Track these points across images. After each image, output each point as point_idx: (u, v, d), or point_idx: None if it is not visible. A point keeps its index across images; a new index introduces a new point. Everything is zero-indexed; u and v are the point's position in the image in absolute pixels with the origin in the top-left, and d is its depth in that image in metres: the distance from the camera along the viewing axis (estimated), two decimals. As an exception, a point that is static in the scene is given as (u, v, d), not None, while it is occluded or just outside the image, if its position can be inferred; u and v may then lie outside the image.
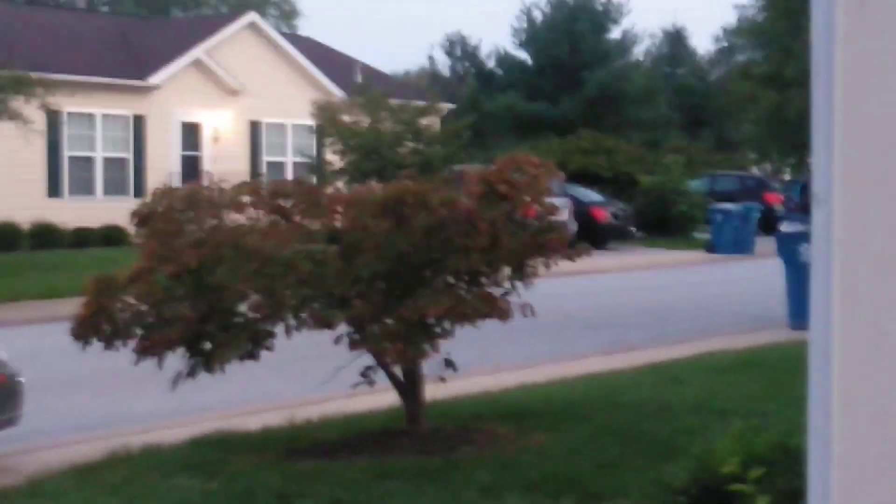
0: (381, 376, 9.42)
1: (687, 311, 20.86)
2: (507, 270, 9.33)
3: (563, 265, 9.74)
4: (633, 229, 39.08)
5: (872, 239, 1.46)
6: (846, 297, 1.45)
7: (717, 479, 4.47)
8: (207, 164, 36.20)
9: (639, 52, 62.38)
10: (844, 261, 1.44)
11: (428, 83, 56.51)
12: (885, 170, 1.47)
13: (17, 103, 25.57)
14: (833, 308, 1.45)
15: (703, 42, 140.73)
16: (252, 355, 9.16)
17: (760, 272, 27.15)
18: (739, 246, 35.21)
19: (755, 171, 51.31)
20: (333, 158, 35.09)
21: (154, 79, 35.58)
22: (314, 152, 37.96)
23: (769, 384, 11.53)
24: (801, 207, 22.46)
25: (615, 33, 56.37)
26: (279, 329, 9.06)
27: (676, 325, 18.46)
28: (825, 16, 1.47)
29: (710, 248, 36.10)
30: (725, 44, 68.09)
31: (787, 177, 51.22)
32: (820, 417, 1.56)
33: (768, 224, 34.44)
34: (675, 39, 66.61)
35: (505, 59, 57.29)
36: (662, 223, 40.62)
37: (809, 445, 1.60)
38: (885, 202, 1.47)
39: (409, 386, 9.48)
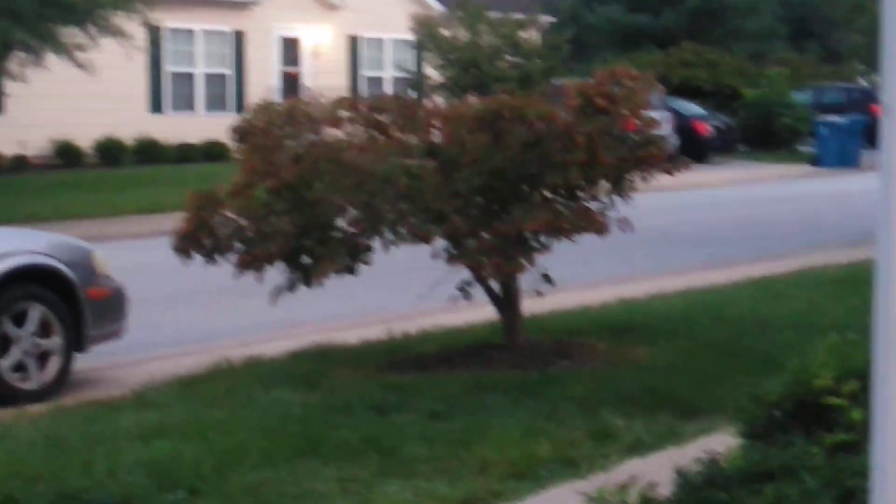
0: (478, 291, 9.45)
1: (790, 225, 20.63)
2: (605, 185, 9.27)
3: (664, 180, 9.65)
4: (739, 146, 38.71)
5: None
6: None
7: (812, 393, 4.44)
8: (307, 80, 36.31)
9: (743, -39, 61.21)
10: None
11: (528, -4, 55.98)
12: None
13: (118, 19, 25.76)
14: None
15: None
16: (350, 269, 9.22)
17: (867, 186, 26.73)
18: (845, 159, 34.67)
19: (862, 82, 50.28)
20: (433, 73, 35.02)
21: (254, -6, 35.66)
22: (413, 67, 37.89)
23: (872, 299, 11.37)
24: None
25: (719, -58, 55.33)
26: (377, 243, 9.11)
27: (779, 240, 18.26)
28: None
29: (815, 161, 35.58)
30: (832, -48, 66.53)
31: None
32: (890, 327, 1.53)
33: (875, 137, 33.83)
34: (781, -52, 65.22)
35: (606, -29, 56.49)
36: (766, 137, 40.07)
37: (874, 367, 1.58)
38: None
39: (506, 300, 9.49)
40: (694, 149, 33.19)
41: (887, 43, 1.46)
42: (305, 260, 9.02)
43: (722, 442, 5.17)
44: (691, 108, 38.91)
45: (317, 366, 9.35)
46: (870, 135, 36.15)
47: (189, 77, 34.86)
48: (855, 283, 12.67)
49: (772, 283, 13.12)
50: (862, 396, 4.33)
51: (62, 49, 25.12)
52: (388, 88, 36.83)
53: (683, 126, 35.93)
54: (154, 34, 30.91)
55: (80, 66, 25.37)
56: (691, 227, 20.63)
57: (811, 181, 31.20)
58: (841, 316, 10.43)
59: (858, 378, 4.31)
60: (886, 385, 1.46)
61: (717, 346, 9.52)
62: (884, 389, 1.46)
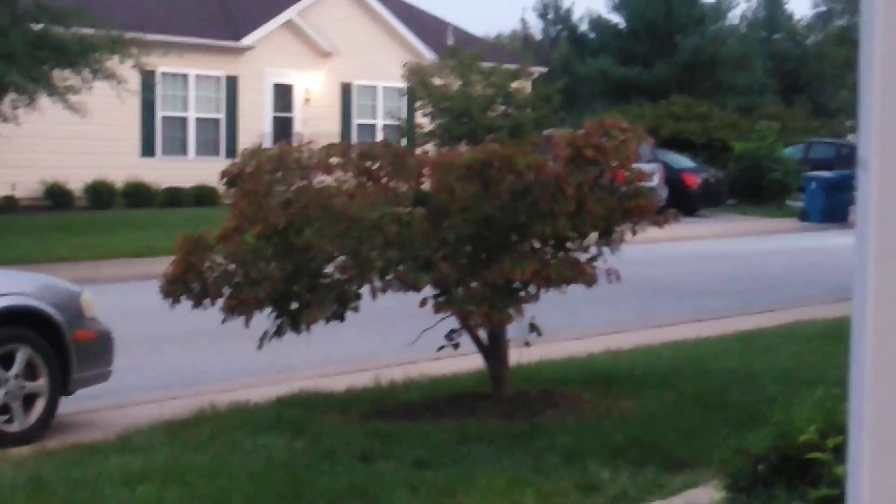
0: (465, 339, 9.44)
1: (778, 279, 20.66)
2: (593, 235, 9.29)
3: (653, 232, 9.68)
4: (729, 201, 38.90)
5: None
6: (886, 265, 1.43)
7: (796, 448, 4.43)
8: (298, 126, 36.40)
9: (734, 16, 61.69)
10: (882, 227, 1.41)
11: (520, 46, 56.29)
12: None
13: (112, 63, 25.85)
14: (870, 277, 1.43)
15: (800, 6, 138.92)
16: (339, 316, 9.21)
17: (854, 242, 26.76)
18: (833, 214, 34.74)
19: (852, 138, 50.51)
20: (424, 121, 35.13)
21: (247, 40, 35.80)
22: (405, 115, 38.01)
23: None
24: None
25: (710, -3, 55.71)
26: (365, 290, 9.10)
27: (767, 294, 18.29)
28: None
29: (803, 216, 35.66)
30: (823, 8, 67.02)
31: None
32: (859, 387, 1.54)
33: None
34: (772, 3, 65.68)
35: (598, 23, 56.85)
36: (755, 190, 40.17)
37: (850, 417, 1.59)
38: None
39: (493, 349, 9.49)
40: (683, 201, 33.26)
41: (863, 97, 1.48)
42: (293, 305, 9.02)
43: (706, 495, 5.16)
44: (681, 160, 39.02)
45: (303, 412, 9.32)
46: (858, 190, 36.31)
47: (181, 121, 34.93)
48: (841, 337, 12.66)
49: (759, 337, 13.13)
50: (844, 451, 4.33)
51: (55, 91, 25.18)
52: (380, 135, 36.93)
53: (673, 178, 36.03)
54: (147, 78, 31.02)
55: (72, 108, 25.43)
56: (679, 279, 20.65)
57: (799, 236, 31.28)
58: (827, 370, 10.43)
59: (843, 433, 4.31)
60: (860, 435, 1.47)
61: (702, 398, 9.51)
62: (857, 440, 1.47)
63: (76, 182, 31.69)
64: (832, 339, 12.58)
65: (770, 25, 64.89)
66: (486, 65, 34.77)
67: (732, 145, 42.67)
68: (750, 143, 41.18)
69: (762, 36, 62.61)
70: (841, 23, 54.53)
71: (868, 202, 1.44)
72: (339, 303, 9.10)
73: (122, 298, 16.51)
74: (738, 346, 12.41)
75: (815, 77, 58.22)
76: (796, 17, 68.08)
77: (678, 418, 8.80)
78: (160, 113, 34.31)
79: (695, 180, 38.06)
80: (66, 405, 9.76)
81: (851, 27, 47.65)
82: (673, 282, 20.27)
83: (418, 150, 16.70)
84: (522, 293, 9.03)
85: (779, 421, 4.54)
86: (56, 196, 31.44)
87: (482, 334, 9.42)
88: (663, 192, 32.95)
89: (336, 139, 28.26)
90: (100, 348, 9.86)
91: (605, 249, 9.29)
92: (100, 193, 31.97)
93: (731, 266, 23.06)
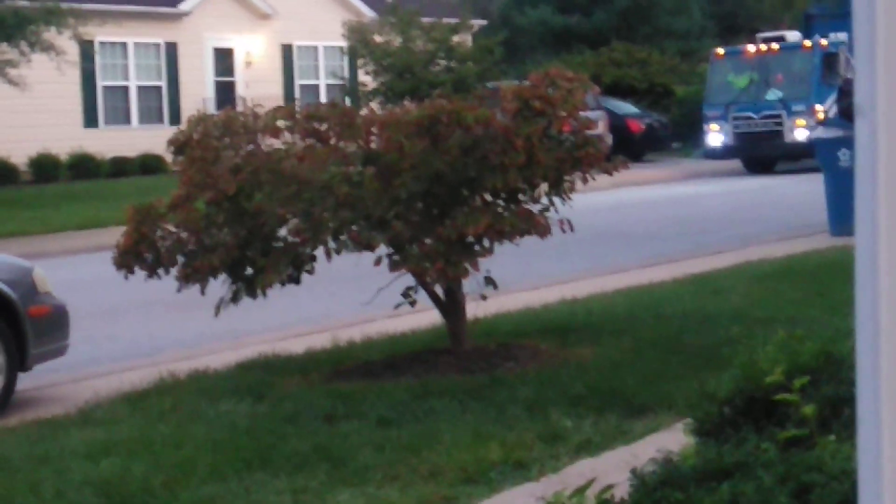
0: (422, 296, 9.46)
1: (726, 220, 20.81)
2: (544, 186, 9.32)
3: (601, 179, 9.71)
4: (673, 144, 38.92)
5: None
6: (892, 206, 1.45)
7: (762, 389, 4.49)
8: (241, 90, 36.21)
9: (671, -40, 61.55)
10: (889, 171, 1.43)
11: (459, 0, 56.07)
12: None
13: (50, 34, 25.58)
14: (879, 217, 1.45)
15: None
16: (294, 279, 9.21)
17: (802, 178, 27.03)
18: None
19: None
20: (367, 79, 35.01)
21: (185, 5, 35.51)
22: (347, 74, 37.86)
23: (811, 291, 11.52)
24: (841, 112, 22.28)
25: (647, -59, 55.63)
26: (320, 252, 9.10)
27: (716, 235, 18.42)
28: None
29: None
30: (759, -52, 67.10)
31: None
32: (867, 325, 1.56)
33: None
34: (708, -54, 65.69)
35: (535, -27, 56.65)
36: (699, 133, 40.36)
37: (857, 353, 1.60)
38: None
39: (450, 305, 9.51)
40: (628, 147, 33.38)
41: (859, 43, 1.49)
42: (248, 271, 9.00)
43: (671, 439, 5.22)
44: (624, 106, 39.14)
45: (263, 377, 9.32)
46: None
47: (123, 90, 34.65)
48: (792, 275, 12.82)
49: (710, 279, 13.23)
50: (812, 391, 4.39)
51: (-7, 66, 24.92)
52: (324, 96, 36.80)
53: (617, 125, 36.15)
54: (86, 48, 30.72)
55: (11, 82, 25.16)
56: (628, 226, 20.76)
57: (744, 178, 31.47)
58: (779, 309, 10.56)
59: (808, 372, 4.37)
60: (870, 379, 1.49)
61: (660, 343, 9.59)
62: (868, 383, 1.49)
63: (20, 156, 31.39)
64: (781, 278, 12.72)
65: (707, -33, 64.88)
66: (426, 20, 34.67)
67: (674, 90, 42.83)
68: (692, 87, 41.33)
69: (699, -22, 62.60)
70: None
71: (864, 147, 1.46)
72: (294, 266, 9.09)
73: (74, 271, 16.41)
74: (690, 289, 12.50)
75: (753, 17, 58.33)
76: (732, -42, 68.00)
77: (637, 364, 8.87)
78: (101, 83, 34.02)
79: (639, 126, 38.21)
80: (24, 381, 9.71)
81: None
82: (622, 228, 20.37)
83: (364, 110, 16.64)
84: (476, 247, 9.05)
85: (742, 363, 4.59)
86: (0, 171, 31.17)
87: (438, 290, 9.45)
88: (608, 139, 33.06)
89: (279, 101, 28.13)
90: (55, 323, 9.81)
91: (557, 200, 9.32)
92: (44, 167, 31.70)
93: (678, 210, 23.19)
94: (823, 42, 31.08)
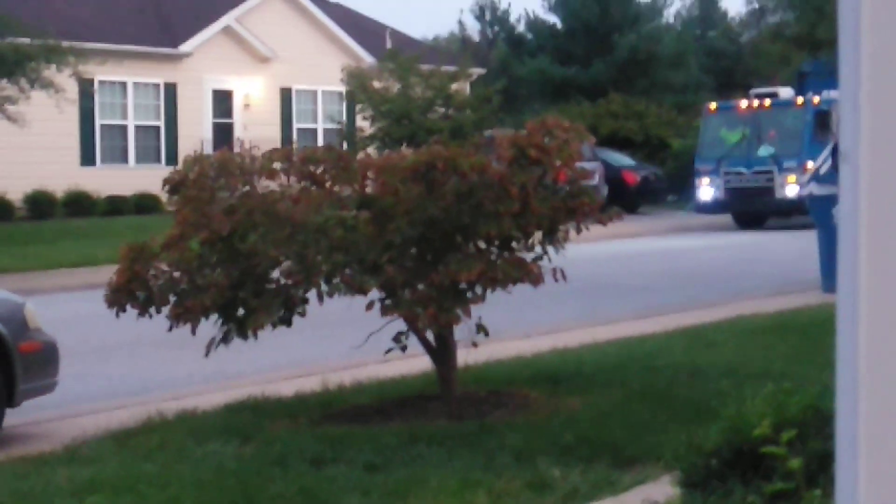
0: (413, 342, 9.45)
1: (719, 274, 20.82)
2: (538, 235, 9.33)
3: (595, 230, 9.72)
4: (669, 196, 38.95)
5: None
6: (874, 255, 1.46)
7: (749, 442, 4.48)
8: (239, 132, 36.30)
9: (669, 14, 62.04)
10: (872, 219, 1.45)
11: (458, 48, 56.33)
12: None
13: (50, 72, 25.66)
14: (860, 266, 1.46)
15: (734, 4, 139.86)
16: (285, 321, 9.19)
17: (793, 235, 27.07)
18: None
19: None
20: (364, 125, 35.11)
21: (185, 46, 35.64)
22: (345, 119, 37.98)
23: (802, 347, 11.51)
24: (834, 168, 22.32)
25: (646, -4, 55.99)
26: (312, 295, 9.09)
27: (708, 289, 18.42)
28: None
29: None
30: (756, 5, 67.52)
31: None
32: (847, 378, 1.56)
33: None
34: (706, 1, 66.12)
35: (535, 23, 56.95)
36: (694, 187, 40.43)
37: (837, 405, 1.61)
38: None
39: (441, 351, 9.50)
40: (623, 198, 33.49)
41: (844, 88, 1.50)
42: (240, 312, 8.99)
43: (660, 491, 5.20)
44: (620, 158, 39.26)
45: (251, 418, 9.30)
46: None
47: (121, 129, 34.72)
48: (783, 331, 12.82)
49: (702, 332, 13.23)
50: (799, 445, 4.38)
51: (-9, 101, 24.97)
52: (321, 140, 36.89)
53: (613, 176, 36.23)
54: (85, 87, 30.81)
55: (10, 118, 25.21)
56: (622, 277, 20.76)
57: (735, 233, 31.51)
58: (770, 364, 10.54)
59: (796, 426, 4.36)
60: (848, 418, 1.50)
61: (650, 394, 9.57)
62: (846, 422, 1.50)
63: (15, 192, 31.42)
64: (773, 333, 12.72)
65: (705, 23, 65.28)
66: (425, 67, 34.81)
67: (670, 143, 42.97)
68: (687, 141, 41.46)
69: (697, 34, 63.01)
70: (774, 20, 54.99)
71: (849, 193, 1.47)
72: (286, 308, 9.08)
73: (66, 308, 16.39)
74: (682, 342, 12.49)
75: (750, 73, 58.63)
76: (731, 14, 68.58)
77: (626, 415, 8.86)
78: (99, 121, 34.09)
79: (634, 178, 38.31)
80: (12, 417, 9.68)
81: (784, 24, 48.09)
82: (615, 279, 20.38)
83: (360, 154, 16.69)
84: (469, 294, 9.05)
85: (730, 415, 4.58)
86: (-5, 207, 31.17)
87: (430, 336, 9.44)
88: (603, 190, 33.14)
89: (276, 144, 28.19)
90: (45, 359, 9.79)
91: (550, 248, 9.33)
92: (40, 203, 31.72)
93: (672, 262, 23.21)
94: (816, 99, 31.14)
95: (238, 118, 37.18)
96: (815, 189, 18.50)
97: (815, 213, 17.63)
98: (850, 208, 1.43)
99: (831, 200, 17.05)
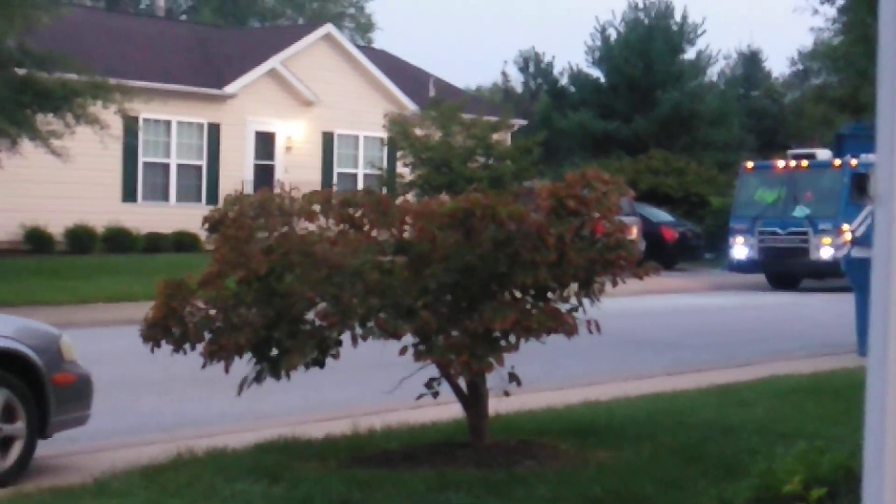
0: (445, 388, 9.45)
1: (754, 333, 20.73)
2: (574, 286, 9.33)
3: (632, 284, 9.71)
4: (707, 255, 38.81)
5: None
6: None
7: (780, 499, 4.46)
8: (280, 174, 36.49)
9: (713, 73, 62.05)
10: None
11: (500, 99, 56.53)
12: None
13: (95, 108, 25.90)
14: (892, 294, 1.47)
15: (778, 64, 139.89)
16: (318, 362, 9.22)
17: (828, 297, 26.95)
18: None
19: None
20: (404, 171, 35.25)
21: (230, 88, 35.91)
22: (386, 164, 38.13)
23: (836, 409, 11.44)
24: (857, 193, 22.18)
25: (690, 54, 56.06)
26: (346, 337, 9.11)
27: (743, 348, 18.35)
28: (893, 19, 1.49)
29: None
30: (800, 67, 67.59)
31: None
32: (875, 434, 1.57)
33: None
34: (750, 61, 66.17)
35: (578, 77, 57.13)
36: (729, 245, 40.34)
37: (864, 465, 1.62)
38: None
39: (472, 398, 9.50)
40: (660, 254, 33.43)
41: (881, 135, 1.52)
42: (274, 352, 9.02)
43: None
44: (659, 214, 39.22)
45: (281, 459, 9.30)
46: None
47: (163, 167, 34.97)
48: (817, 392, 12.74)
49: (736, 391, 13.17)
50: (828, 503, 4.36)
51: (38, 136, 25.21)
52: (361, 185, 37.05)
53: (651, 232, 36.19)
54: (130, 124, 31.08)
55: (54, 152, 25.44)
56: (656, 332, 20.70)
57: (769, 293, 31.38)
58: (802, 424, 10.48)
59: (826, 485, 4.34)
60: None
61: (680, 450, 9.53)
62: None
63: (56, 226, 31.67)
64: (807, 394, 12.65)
65: (748, 83, 65.33)
66: (466, 116, 34.95)
67: (710, 200, 42.91)
68: (727, 199, 41.40)
69: (740, 93, 63.04)
70: (818, 81, 54.98)
71: (883, 236, 1.49)
72: (320, 349, 9.10)
73: (102, 343, 16.47)
74: (714, 399, 12.44)
75: (792, 134, 58.58)
76: (774, 75, 68.54)
77: (656, 469, 8.81)
78: (142, 158, 34.35)
79: (672, 234, 38.25)
80: (44, 448, 9.72)
81: (828, 86, 48.03)
82: (650, 334, 20.32)
83: (399, 199, 16.78)
84: (503, 342, 9.05)
85: (761, 472, 4.57)
86: (36, 240, 31.40)
87: (462, 383, 9.44)
88: (641, 245, 33.10)
89: (317, 187, 28.31)
90: (78, 392, 9.84)
91: (586, 300, 9.32)
92: (80, 238, 31.94)
93: (707, 319, 23.13)
94: (853, 162, 31.05)
95: (280, 160, 37.39)
96: (854, 252, 18.44)
97: (852, 275, 17.57)
98: (884, 249, 1.44)
99: (869, 263, 16.98)
